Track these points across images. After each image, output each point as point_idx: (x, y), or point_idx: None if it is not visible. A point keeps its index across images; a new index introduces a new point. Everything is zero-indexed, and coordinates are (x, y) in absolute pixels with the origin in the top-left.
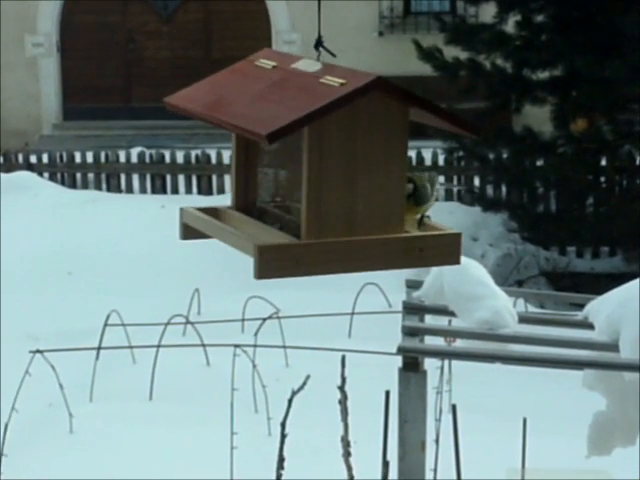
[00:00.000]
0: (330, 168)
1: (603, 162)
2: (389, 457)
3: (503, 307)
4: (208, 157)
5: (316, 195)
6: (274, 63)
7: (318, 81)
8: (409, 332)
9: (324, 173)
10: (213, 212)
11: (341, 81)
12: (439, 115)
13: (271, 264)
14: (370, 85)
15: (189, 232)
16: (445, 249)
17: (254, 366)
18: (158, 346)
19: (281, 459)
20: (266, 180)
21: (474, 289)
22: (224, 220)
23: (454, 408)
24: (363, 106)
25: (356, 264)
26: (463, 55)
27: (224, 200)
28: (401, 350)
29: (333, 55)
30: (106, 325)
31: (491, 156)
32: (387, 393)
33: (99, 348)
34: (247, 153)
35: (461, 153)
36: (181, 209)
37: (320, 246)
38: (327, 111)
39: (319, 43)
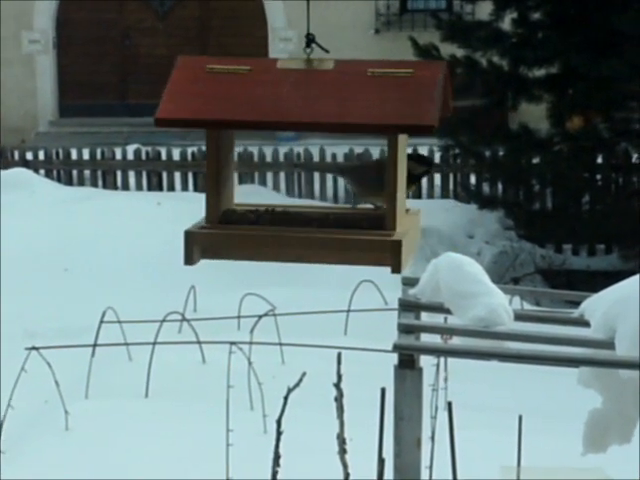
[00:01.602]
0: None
1: (599, 160)
2: (385, 454)
3: (499, 305)
4: (204, 154)
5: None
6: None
7: (378, 75)
8: (405, 329)
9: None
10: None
11: (409, 70)
12: None
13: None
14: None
15: (199, 253)
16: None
17: (250, 363)
18: (154, 343)
19: (277, 456)
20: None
21: (470, 287)
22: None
23: (450, 405)
24: None
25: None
26: (459, 52)
27: None
28: (397, 347)
29: (326, 51)
30: (102, 322)
31: (487, 153)
32: (383, 390)
33: (95, 345)
34: (220, 156)
35: (457, 151)
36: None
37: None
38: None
39: (310, 40)
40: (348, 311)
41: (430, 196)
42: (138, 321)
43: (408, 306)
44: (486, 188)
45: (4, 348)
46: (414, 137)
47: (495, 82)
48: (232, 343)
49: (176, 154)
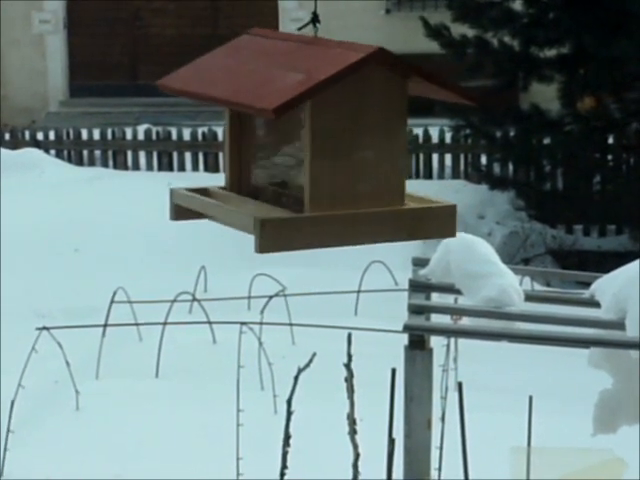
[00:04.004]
0: (333, 140)
1: (610, 140)
2: (395, 435)
3: (509, 285)
4: (215, 134)
5: (319, 168)
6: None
7: (319, 51)
8: (415, 310)
9: (327, 145)
10: (206, 192)
11: (341, 51)
12: (437, 84)
13: (273, 238)
14: (374, 55)
15: (181, 213)
16: (441, 220)
17: (260, 344)
18: (164, 323)
19: (287, 436)
20: (261, 158)
21: (480, 267)
22: (220, 200)
23: (460, 386)
24: (365, 77)
25: (358, 237)
26: (470, 33)
27: None
28: (407, 328)
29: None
30: (112, 302)
31: (498, 134)
32: (393, 371)
33: (105, 325)
34: (241, 131)
35: (468, 131)
36: (171, 190)
37: (322, 219)
38: (334, 81)
39: (315, 18)
40: (358, 292)
41: (441, 177)
42: (149, 301)
43: (418, 287)
44: (497, 169)
45: (14, 328)
46: (425, 117)
47: (506, 62)
48: (243, 323)
49: (187, 134)
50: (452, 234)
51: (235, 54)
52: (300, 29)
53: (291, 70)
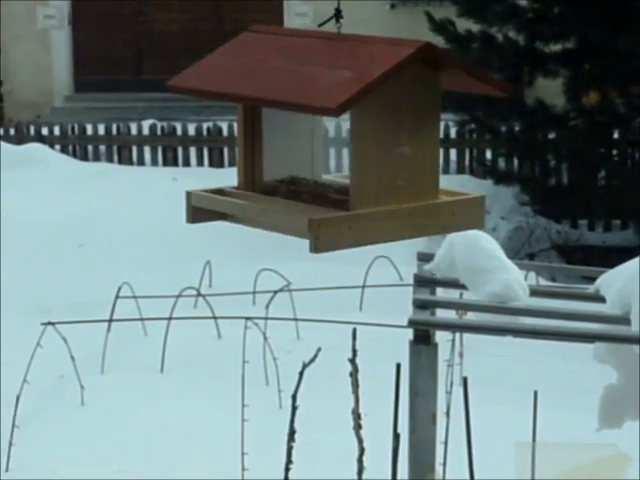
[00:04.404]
0: (375, 137)
1: (615, 135)
2: (400, 430)
3: (514, 280)
4: (220, 129)
5: (363, 166)
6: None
7: (356, 47)
8: (420, 305)
9: (370, 142)
10: (222, 193)
11: (383, 47)
12: (475, 77)
13: (327, 237)
14: (423, 49)
15: (198, 215)
16: (472, 211)
17: (265, 339)
18: (169, 318)
19: (292, 432)
20: (275, 156)
21: (485, 262)
22: (244, 199)
23: (465, 381)
24: (406, 72)
25: (403, 232)
26: (475, 27)
27: (234, 173)
28: (412, 323)
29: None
30: (117, 297)
31: (503, 129)
32: (398, 366)
33: (110, 320)
34: (254, 128)
35: (473, 126)
36: (188, 192)
37: (370, 215)
38: (388, 77)
39: (338, 14)
40: (363, 287)
41: (446, 171)
42: (153, 296)
43: (423, 281)
44: (502, 163)
45: (19, 323)
46: None
47: (511, 57)
48: (247, 318)
49: (191, 129)
50: (481, 225)
51: (248, 52)
52: (321, 25)
53: (332, 68)
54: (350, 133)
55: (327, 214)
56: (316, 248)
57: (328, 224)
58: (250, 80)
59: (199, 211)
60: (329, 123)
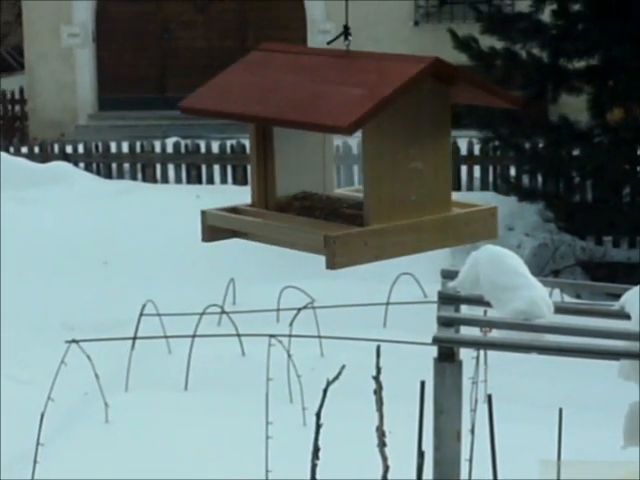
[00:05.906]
0: (389, 153)
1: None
2: (424, 447)
3: (539, 297)
4: (243, 147)
5: (377, 181)
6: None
7: (367, 64)
8: (444, 322)
9: (384, 158)
10: (236, 211)
11: (393, 63)
12: (486, 90)
13: (344, 253)
14: (433, 65)
15: (214, 234)
16: (485, 222)
17: (289, 356)
18: (193, 336)
19: (316, 449)
20: (287, 172)
21: (510, 279)
22: (260, 217)
23: (490, 398)
24: (417, 87)
25: (419, 246)
26: (499, 44)
27: None
28: (436, 340)
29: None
30: (142, 315)
31: (527, 146)
32: (422, 383)
33: (135, 338)
34: (265, 145)
35: (497, 143)
36: (203, 212)
37: (385, 230)
38: (399, 94)
39: (346, 31)
40: (387, 304)
41: (469, 188)
42: (177, 314)
43: (448, 299)
44: (526, 180)
45: (44, 341)
46: (453, 129)
47: (535, 74)
48: (271, 336)
49: (215, 147)
50: (494, 235)
51: (258, 71)
52: (330, 42)
53: (343, 85)
54: (362, 150)
55: (342, 230)
56: (332, 264)
57: (344, 240)
58: (261, 99)
59: (215, 230)
60: (336, 140)
